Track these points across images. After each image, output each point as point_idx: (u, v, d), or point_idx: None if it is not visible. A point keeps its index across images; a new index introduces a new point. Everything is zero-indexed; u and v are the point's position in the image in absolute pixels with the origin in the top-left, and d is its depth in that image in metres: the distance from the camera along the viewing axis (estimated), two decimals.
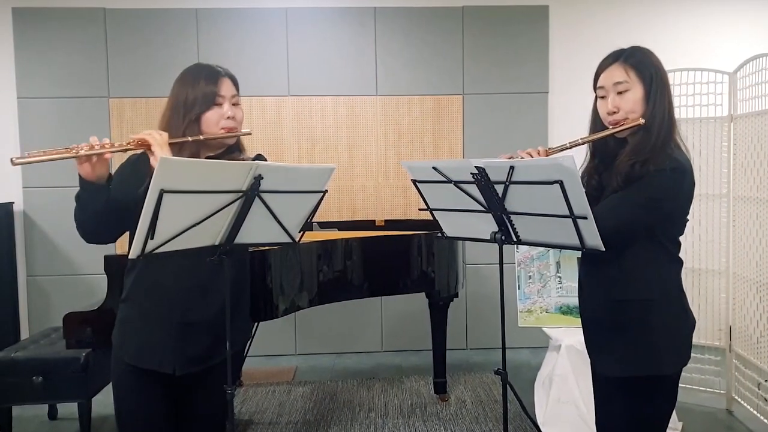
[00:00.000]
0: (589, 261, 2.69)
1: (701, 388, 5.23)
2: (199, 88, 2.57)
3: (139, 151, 2.57)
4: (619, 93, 2.53)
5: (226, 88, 2.63)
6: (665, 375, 2.55)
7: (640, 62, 2.54)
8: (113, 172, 2.55)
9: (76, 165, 2.36)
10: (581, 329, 2.82)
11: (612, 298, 2.56)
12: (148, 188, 2.12)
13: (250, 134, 2.73)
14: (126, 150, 2.43)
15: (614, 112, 2.54)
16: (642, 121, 2.49)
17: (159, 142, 2.40)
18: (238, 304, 2.80)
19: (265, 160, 2.54)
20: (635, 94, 2.51)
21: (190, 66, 2.71)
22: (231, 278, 2.55)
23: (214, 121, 2.58)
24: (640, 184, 2.41)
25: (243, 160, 2.64)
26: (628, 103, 2.52)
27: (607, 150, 2.66)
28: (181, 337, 2.60)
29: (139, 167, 2.56)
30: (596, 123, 2.69)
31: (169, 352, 2.61)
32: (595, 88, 2.66)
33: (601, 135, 2.60)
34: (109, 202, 2.45)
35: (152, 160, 2.38)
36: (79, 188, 2.44)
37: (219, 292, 2.54)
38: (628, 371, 2.53)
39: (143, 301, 2.63)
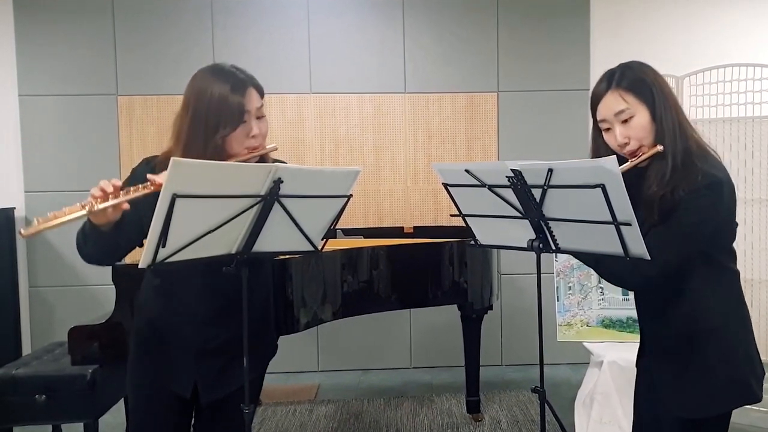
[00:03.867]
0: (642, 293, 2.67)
1: (752, 407, 5.18)
2: (223, 104, 2.45)
3: (152, 156, 2.60)
4: (624, 122, 2.46)
5: (252, 101, 2.56)
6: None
7: (635, 82, 2.46)
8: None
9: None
10: (624, 344, 2.81)
11: (674, 333, 2.52)
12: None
13: (276, 149, 2.65)
14: (145, 195, 2.30)
15: (626, 143, 2.48)
16: (660, 147, 2.41)
17: None
18: (263, 320, 2.81)
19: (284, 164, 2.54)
20: (641, 118, 2.44)
21: (208, 69, 2.58)
22: (254, 291, 2.56)
23: (239, 141, 2.52)
24: (678, 213, 2.36)
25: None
26: (637, 130, 2.45)
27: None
28: (203, 361, 2.62)
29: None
30: (599, 154, 2.56)
31: (190, 376, 2.63)
32: (594, 120, 2.59)
33: (623, 168, 2.42)
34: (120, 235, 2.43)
35: None
36: (86, 226, 2.40)
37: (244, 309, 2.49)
38: (698, 413, 2.49)
39: (162, 319, 2.64)
